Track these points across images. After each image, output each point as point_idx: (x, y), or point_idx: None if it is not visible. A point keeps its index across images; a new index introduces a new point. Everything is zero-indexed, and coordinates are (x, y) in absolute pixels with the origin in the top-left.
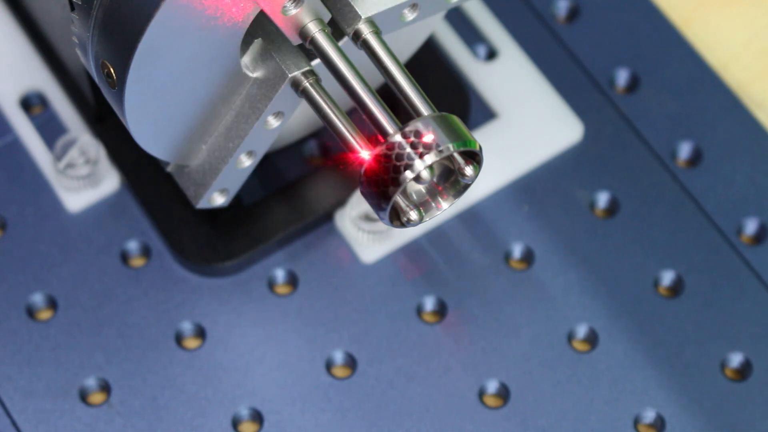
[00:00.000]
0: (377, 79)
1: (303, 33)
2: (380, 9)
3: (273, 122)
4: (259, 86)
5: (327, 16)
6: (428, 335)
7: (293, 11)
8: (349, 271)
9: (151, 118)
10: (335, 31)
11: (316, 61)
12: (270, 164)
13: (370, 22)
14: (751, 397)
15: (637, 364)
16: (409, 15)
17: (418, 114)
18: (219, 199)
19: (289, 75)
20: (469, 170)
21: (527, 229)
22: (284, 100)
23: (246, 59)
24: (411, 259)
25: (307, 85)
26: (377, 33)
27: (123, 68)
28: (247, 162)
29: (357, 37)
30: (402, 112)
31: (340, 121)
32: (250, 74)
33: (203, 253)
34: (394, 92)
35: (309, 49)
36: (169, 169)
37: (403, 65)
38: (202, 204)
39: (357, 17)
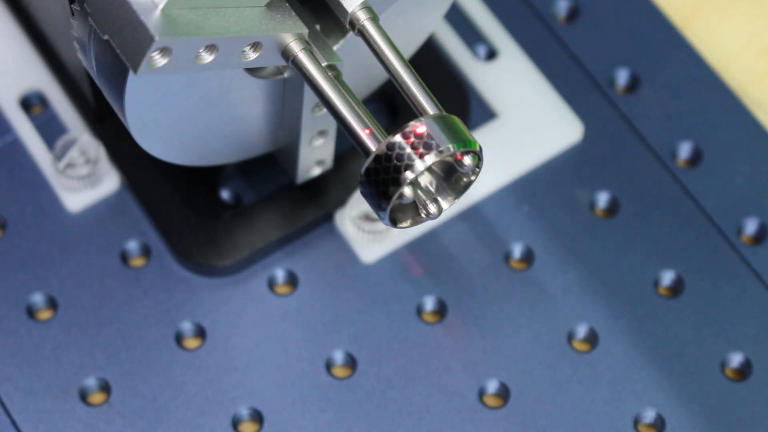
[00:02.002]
0: (381, 75)
1: (285, 53)
2: None
3: (322, 109)
4: (291, 85)
5: (305, 32)
6: (428, 335)
7: (254, 56)
8: (349, 271)
9: (157, 123)
10: (337, 26)
11: (338, 45)
12: (270, 164)
13: (367, 8)
14: (751, 397)
15: (637, 364)
16: None
17: (419, 106)
18: (316, 170)
19: None
20: (467, 159)
21: (527, 229)
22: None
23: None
24: (411, 259)
25: None
26: (374, 19)
27: (124, 68)
28: (320, 141)
29: (353, 26)
30: (403, 110)
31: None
32: (282, 76)
33: (203, 253)
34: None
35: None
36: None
37: (404, 57)
38: (300, 180)
39: (351, 5)
